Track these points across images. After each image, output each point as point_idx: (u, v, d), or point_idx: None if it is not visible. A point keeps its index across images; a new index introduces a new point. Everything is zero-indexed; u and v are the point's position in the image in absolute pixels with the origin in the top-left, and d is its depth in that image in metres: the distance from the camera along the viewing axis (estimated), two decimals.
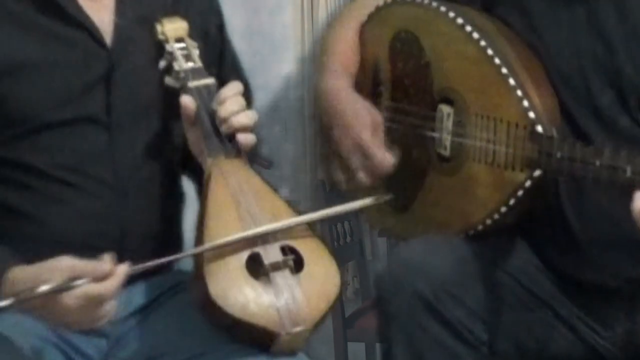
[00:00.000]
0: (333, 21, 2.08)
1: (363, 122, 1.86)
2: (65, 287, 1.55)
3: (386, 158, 1.85)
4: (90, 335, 1.75)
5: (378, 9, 1.97)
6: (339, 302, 3.19)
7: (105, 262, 1.58)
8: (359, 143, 1.85)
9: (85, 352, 1.75)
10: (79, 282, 1.55)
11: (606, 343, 1.86)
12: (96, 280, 1.55)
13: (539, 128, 1.72)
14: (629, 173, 1.56)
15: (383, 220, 2.06)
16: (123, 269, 1.59)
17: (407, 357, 1.78)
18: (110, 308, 1.58)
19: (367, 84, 1.99)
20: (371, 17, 1.98)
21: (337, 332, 3.21)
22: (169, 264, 1.84)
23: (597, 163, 1.61)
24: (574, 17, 1.78)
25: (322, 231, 3.16)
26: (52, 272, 1.56)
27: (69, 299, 1.55)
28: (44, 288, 1.54)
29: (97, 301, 1.56)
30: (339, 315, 3.19)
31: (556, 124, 1.74)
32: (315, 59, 3.65)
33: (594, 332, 1.86)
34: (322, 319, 1.65)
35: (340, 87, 1.92)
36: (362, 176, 1.85)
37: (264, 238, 1.66)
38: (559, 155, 1.67)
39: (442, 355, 1.77)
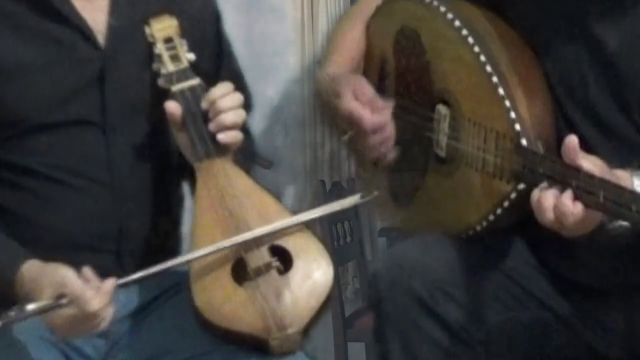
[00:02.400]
0: (340, 19, 2.07)
1: (344, 93, 1.83)
2: (49, 307, 1.55)
3: (374, 118, 1.81)
4: (89, 335, 1.75)
5: (385, 2, 1.97)
6: (338, 302, 3.20)
7: (92, 280, 1.57)
8: (346, 116, 1.83)
9: (84, 352, 1.75)
10: (63, 301, 1.55)
11: (603, 342, 1.86)
12: (82, 299, 1.55)
13: (524, 141, 1.71)
14: (601, 198, 1.56)
15: (388, 214, 2.06)
16: (109, 285, 1.58)
17: (403, 357, 1.78)
18: (102, 320, 1.58)
19: (374, 76, 1.98)
20: (379, 9, 1.98)
21: (337, 332, 3.22)
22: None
23: (574, 184, 1.61)
24: (573, 27, 1.77)
25: (322, 231, 3.17)
26: (46, 284, 1.57)
27: (57, 317, 1.56)
28: (30, 307, 1.54)
29: (85, 318, 1.56)
30: (339, 315, 3.19)
31: (545, 137, 1.73)
32: (316, 60, 3.68)
33: (591, 332, 1.86)
34: (316, 316, 1.64)
35: (337, 74, 1.92)
36: (370, 153, 1.85)
37: (251, 240, 1.65)
38: (540, 171, 1.67)
39: (438, 354, 1.77)
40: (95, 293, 1.56)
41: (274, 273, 1.63)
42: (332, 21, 3.67)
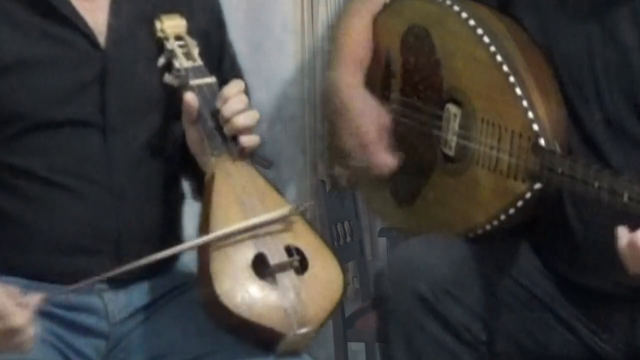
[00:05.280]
0: (343, 13, 2.06)
1: (369, 122, 1.86)
2: None
3: (387, 161, 1.85)
4: (89, 336, 1.74)
5: (393, 0, 1.97)
6: None
7: (15, 294, 1.55)
8: (362, 143, 1.85)
9: (83, 352, 1.74)
10: None
11: (606, 345, 1.86)
12: (4, 313, 1.52)
13: (542, 141, 1.71)
14: (625, 199, 1.56)
15: (388, 214, 2.06)
16: (35, 299, 1.56)
17: (407, 357, 1.78)
18: (28, 335, 1.55)
19: (379, 74, 1.98)
20: (386, 6, 1.98)
21: (337, 332, 3.21)
22: (170, 264, 1.83)
23: (596, 184, 1.60)
24: (589, 25, 1.77)
25: (322, 231, 3.17)
26: None
27: None
28: None
29: (7, 334, 1.53)
30: (339, 315, 3.19)
31: (560, 138, 1.73)
32: (315, 59, 3.68)
33: (594, 334, 1.86)
34: (326, 320, 1.65)
35: (350, 83, 1.92)
36: (362, 174, 1.86)
37: (268, 238, 1.66)
38: (560, 171, 1.67)
39: (441, 355, 1.77)
40: (18, 307, 1.54)
41: (293, 271, 1.64)
42: (332, 21, 3.66)
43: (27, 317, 1.54)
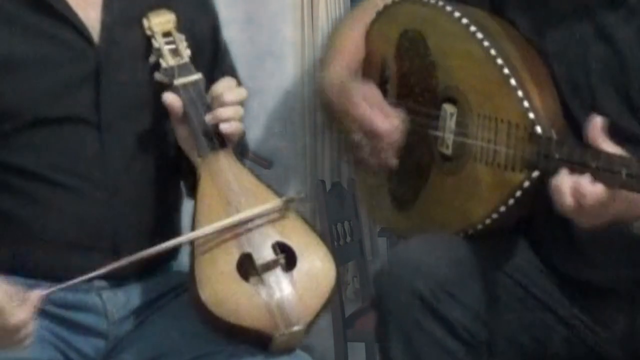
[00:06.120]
0: (340, 22, 2.08)
1: (356, 99, 1.85)
2: None
3: (386, 123, 1.84)
4: (89, 335, 1.74)
5: (386, 7, 1.97)
6: (338, 302, 3.19)
7: (16, 292, 1.54)
8: (357, 120, 1.84)
9: (83, 351, 1.74)
10: None
11: (605, 343, 1.86)
12: (4, 311, 1.52)
13: (538, 129, 1.72)
14: (624, 175, 1.57)
15: (386, 218, 2.06)
16: (36, 296, 1.56)
17: (405, 356, 1.78)
18: (27, 332, 1.55)
19: (375, 81, 1.98)
20: (379, 14, 1.99)
21: (337, 332, 3.21)
22: (166, 264, 1.83)
23: (594, 165, 1.61)
24: (582, 24, 1.78)
25: (322, 231, 3.17)
26: None
27: None
28: None
29: (10, 331, 1.53)
30: (339, 315, 3.19)
31: (556, 126, 1.74)
32: (316, 60, 3.68)
33: (593, 333, 1.86)
34: (319, 315, 1.64)
35: (339, 79, 1.92)
36: (373, 159, 1.86)
37: (255, 236, 1.66)
38: (557, 156, 1.67)
39: (440, 354, 1.77)
40: (18, 304, 1.53)
41: (279, 270, 1.64)
42: (332, 21, 3.67)
43: (27, 314, 1.54)
